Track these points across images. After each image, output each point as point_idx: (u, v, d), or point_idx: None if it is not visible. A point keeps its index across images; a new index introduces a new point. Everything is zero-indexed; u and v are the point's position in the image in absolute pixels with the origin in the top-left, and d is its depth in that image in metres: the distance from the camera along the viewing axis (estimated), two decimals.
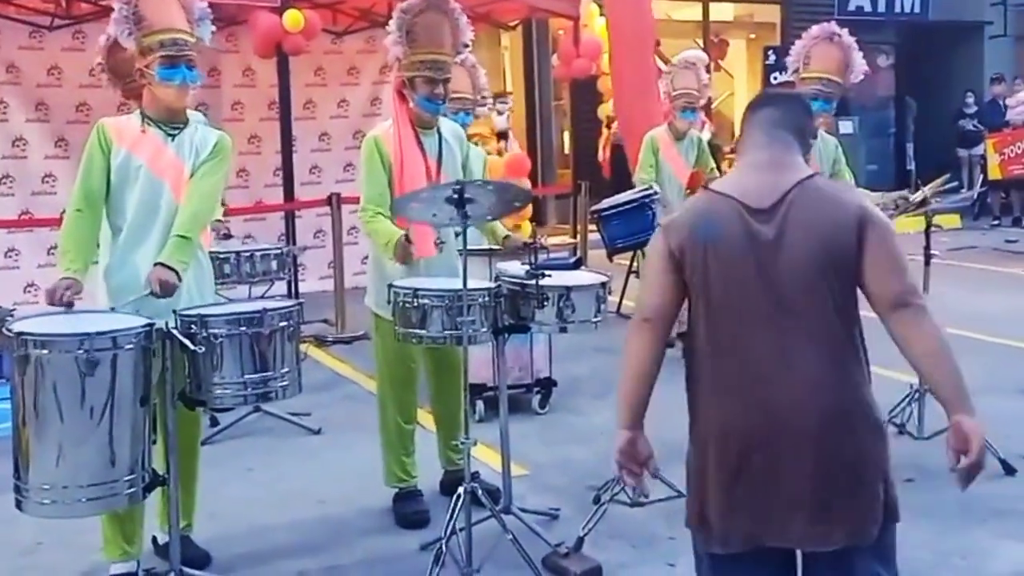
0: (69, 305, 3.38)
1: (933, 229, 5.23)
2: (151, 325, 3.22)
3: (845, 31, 5.09)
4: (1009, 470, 4.68)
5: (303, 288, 8.23)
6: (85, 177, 3.65)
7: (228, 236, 5.79)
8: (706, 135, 10.82)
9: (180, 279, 3.52)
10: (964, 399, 2.26)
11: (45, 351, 3.05)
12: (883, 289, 2.30)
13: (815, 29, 5.11)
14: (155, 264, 3.52)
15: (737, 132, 2.62)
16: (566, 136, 14.24)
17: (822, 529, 2.32)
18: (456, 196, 3.38)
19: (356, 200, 7.74)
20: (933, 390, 2.34)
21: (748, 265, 2.35)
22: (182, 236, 3.60)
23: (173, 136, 3.74)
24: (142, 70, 3.70)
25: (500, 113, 11.63)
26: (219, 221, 5.63)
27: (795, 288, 2.32)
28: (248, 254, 5.70)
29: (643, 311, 2.47)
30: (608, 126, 12.30)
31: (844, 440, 2.31)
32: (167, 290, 3.46)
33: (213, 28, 3.89)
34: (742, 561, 2.40)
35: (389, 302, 3.96)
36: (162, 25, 3.66)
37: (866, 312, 2.37)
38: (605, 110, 12.61)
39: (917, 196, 4.84)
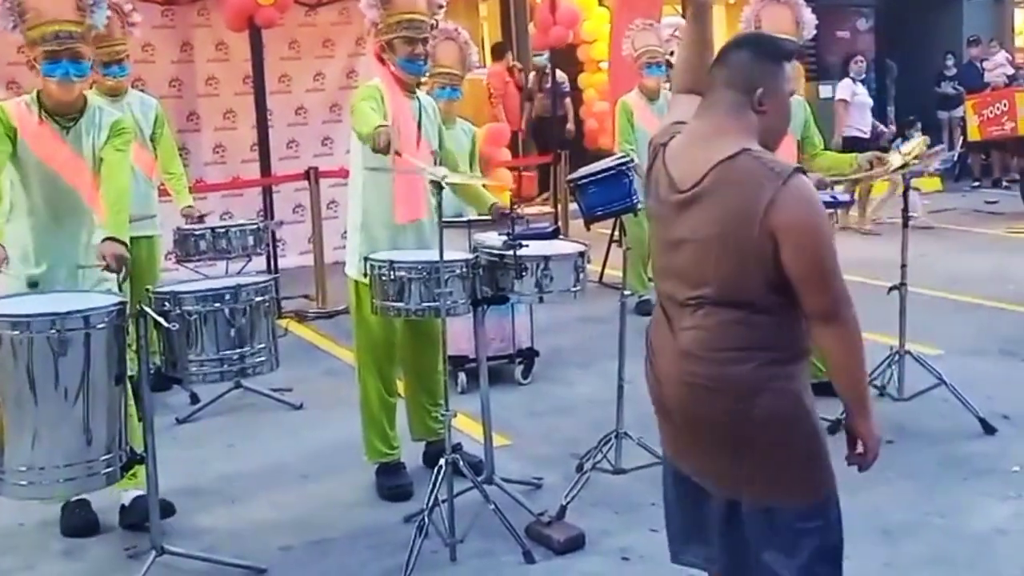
0: None
1: (912, 191, 5.22)
2: (123, 303, 3.19)
3: None
4: (989, 429, 4.71)
5: (283, 264, 8.16)
6: None
7: (202, 219, 5.72)
8: None
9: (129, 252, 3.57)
10: (860, 406, 2.34)
11: (16, 332, 3.03)
12: (802, 300, 2.25)
13: None
14: (104, 240, 3.53)
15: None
16: None
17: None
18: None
19: (334, 174, 7.86)
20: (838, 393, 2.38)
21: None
22: (116, 218, 3.64)
23: (68, 129, 3.71)
24: (31, 62, 3.65)
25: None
26: (189, 207, 5.60)
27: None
28: (223, 230, 5.63)
29: None
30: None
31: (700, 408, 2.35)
32: (122, 264, 3.47)
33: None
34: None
35: (366, 275, 3.93)
36: (47, 16, 3.56)
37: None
38: (587, 80, 12.52)
39: (896, 160, 4.83)
